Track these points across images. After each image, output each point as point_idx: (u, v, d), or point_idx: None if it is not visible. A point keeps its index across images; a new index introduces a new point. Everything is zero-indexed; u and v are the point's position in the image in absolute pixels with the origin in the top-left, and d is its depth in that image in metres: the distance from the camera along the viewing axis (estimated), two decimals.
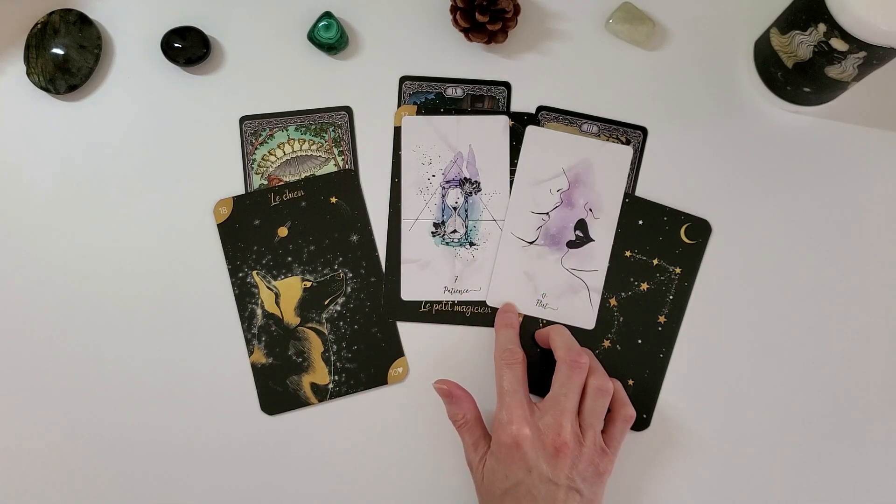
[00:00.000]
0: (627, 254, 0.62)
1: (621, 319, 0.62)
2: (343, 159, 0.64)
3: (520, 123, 0.64)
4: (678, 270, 0.62)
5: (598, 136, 0.64)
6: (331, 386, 0.62)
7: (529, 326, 0.62)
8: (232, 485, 0.61)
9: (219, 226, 0.63)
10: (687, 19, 0.65)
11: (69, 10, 0.64)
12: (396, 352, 0.62)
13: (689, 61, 0.65)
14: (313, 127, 0.64)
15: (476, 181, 0.63)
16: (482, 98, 0.64)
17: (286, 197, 0.63)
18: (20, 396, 0.62)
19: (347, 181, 0.64)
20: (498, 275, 0.62)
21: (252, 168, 0.64)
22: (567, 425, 0.53)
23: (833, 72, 0.56)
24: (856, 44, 0.52)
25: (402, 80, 0.65)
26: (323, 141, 0.64)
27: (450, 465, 0.61)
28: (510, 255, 0.63)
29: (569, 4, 0.65)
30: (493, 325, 0.62)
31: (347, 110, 0.64)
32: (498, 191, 0.63)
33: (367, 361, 0.62)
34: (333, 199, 0.64)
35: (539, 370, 0.61)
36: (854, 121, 0.64)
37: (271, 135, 0.64)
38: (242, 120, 0.64)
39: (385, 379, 0.62)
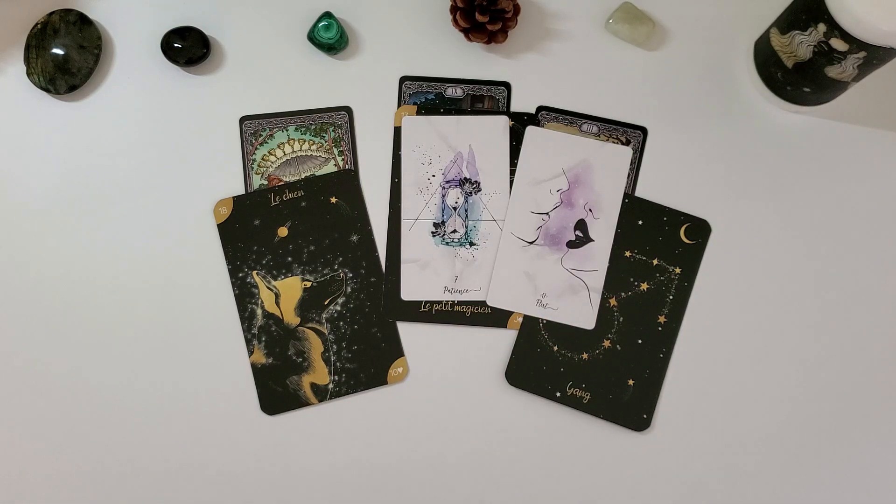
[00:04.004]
0: (627, 254, 0.62)
1: (621, 319, 0.62)
2: (343, 159, 0.64)
3: (520, 123, 0.64)
4: (678, 270, 0.62)
5: (598, 136, 0.64)
6: (331, 386, 0.62)
7: (530, 326, 0.62)
8: (232, 485, 0.61)
9: (219, 226, 0.63)
10: (687, 19, 0.65)
11: (69, 10, 0.64)
12: (396, 352, 0.62)
13: (689, 61, 0.65)
14: (313, 127, 0.64)
15: (476, 181, 0.63)
16: (482, 98, 0.64)
17: (286, 197, 0.63)
18: (20, 397, 0.62)
19: (347, 181, 0.64)
20: (498, 275, 0.62)
21: (252, 168, 0.64)
22: None
23: (833, 72, 0.56)
24: (856, 44, 0.52)
25: (402, 80, 0.65)
26: (323, 141, 0.64)
27: (449, 465, 0.61)
28: (510, 255, 0.63)
29: (569, 4, 0.65)
30: (493, 326, 0.62)
31: (347, 110, 0.64)
32: (498, 191, 0.63)
33: (367, 361, 0.62)
34: (333, 199, 0.64)
35: (537, 368, 0.61)
36: (854, 121, 0.64)
37: (271, 135, 0.64)
38: (242, 120, 0.64)
39: (385, 379, 0.62)
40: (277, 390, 0.62)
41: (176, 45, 0.64)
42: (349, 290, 0.63)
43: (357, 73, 0.65)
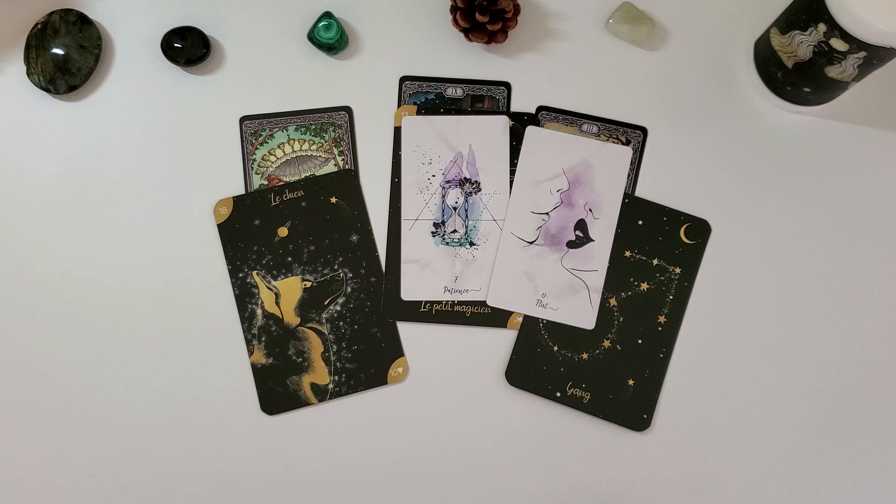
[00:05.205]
0: (627, 254, 0.62)
1: (621, 319, 0.62)
2: (343, 159, 0.64)
3: (520, 123, 0.64)
4: (678, 270, 0.62)
5: (598, 136, 0.64)
6: (331, 386, 0.62)
7: (529, 326, 0.62)
8: (232, 485, 0.61)
9: (219, 226, 0.63)
10: (687, 19, 0.65)
11: (69, 10, 0.64)
12: (396, 352, 0.62)
13: (689, 61, 0.65)
14: (313, 127, 0.64)
15: (476, 181, 0.63)
16: (482, 98, 0.64)
17: (286, 197, 0.63)
18: (20, 397, 0.62)
19: (347, 181, 0.64)
20: (498, 275, 0.62)
21: (252, 168, 0.64)
22: None
23: (833, 72, 0.56)
24: (856, 44, 0.52)
25: (402, 80, 0.65)
26: (323, 141, 0.64)
27: (449, 465, 0.61)
28: (510, 255, 0.63)
29: (569, 4, 0.65)
30: (493, 326, 0.62)
31: (347, 110, 0.64)
32: (498, 191, 0.63)
33: (367, 361, 0.62)
34: (333, 199, 0.64)
35: (537, 368, 0.61)
36: (854, 121, 0.64)
37: (271, 135, 0.64)
38: (242, 120, 0.64)
39: (385, 379, 0.62)
40: (277, 390, 0.62)
41: (176, 45, 0.64)
42: (349, 290, 0.63)
43: (357, 73, 0.65)
